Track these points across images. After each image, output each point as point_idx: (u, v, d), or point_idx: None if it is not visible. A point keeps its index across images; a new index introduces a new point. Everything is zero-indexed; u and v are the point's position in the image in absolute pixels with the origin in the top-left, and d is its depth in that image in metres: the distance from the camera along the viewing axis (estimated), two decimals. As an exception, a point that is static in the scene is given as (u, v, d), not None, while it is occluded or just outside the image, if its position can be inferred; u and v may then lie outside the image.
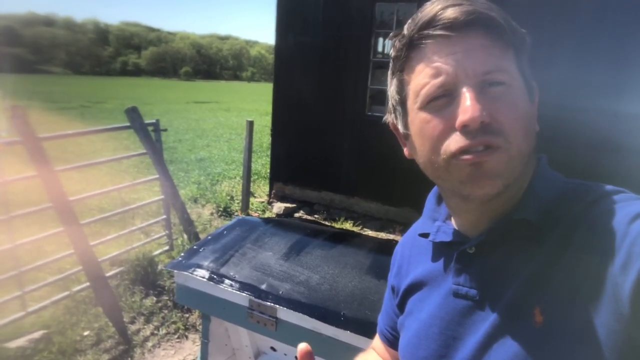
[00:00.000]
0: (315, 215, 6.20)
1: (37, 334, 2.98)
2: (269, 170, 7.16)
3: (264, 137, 11.66)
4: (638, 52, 4.35)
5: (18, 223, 3.03)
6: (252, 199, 6.57)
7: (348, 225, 5.72)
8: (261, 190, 7.30)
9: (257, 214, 6.13)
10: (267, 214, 6.28)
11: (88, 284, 3.30)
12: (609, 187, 0.65)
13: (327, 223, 5.69)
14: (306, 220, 5.84)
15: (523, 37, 0.66)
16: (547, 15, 4.72)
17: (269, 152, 7.23)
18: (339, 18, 5.87)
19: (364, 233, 5.31)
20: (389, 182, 5.62)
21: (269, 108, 6.80)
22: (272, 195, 6.86)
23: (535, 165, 0.71)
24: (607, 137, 4.32)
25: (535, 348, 0.59)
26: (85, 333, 3.17)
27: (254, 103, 27.97)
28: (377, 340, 1.02)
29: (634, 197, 0.62)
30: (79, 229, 3.10)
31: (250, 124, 5.62)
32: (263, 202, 6.71)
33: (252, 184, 6.97)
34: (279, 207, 6.34)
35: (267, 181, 7.13)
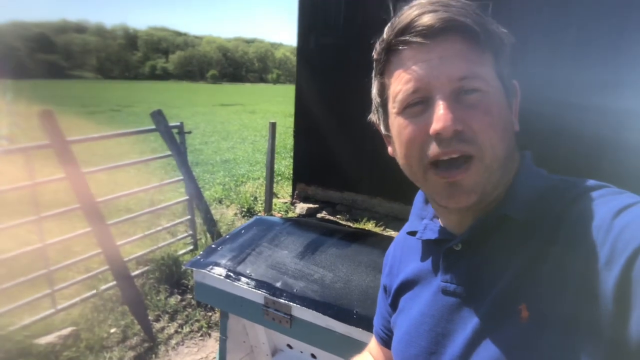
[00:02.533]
0: (338, 216, 6.21)
1: (66, 331, 3.09)
2: (292, 171, 7.21)
3: (288, 138, 11.73)
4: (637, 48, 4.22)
5: (48, 224, 3.14)
6: (275, 200, 6.63)
7: (370, 226, 5.72)
8: (284, 191, 7.36)
9: (280, 215, 6.18)
10: (290, 215, 6.32)
11: (115, 282, 3.39)
12: (592, 182, 0.66)
13: (348, 224, 5.70)
14: (326, 220, 5.86)
15: (501, 40, 0.67)
16: (545, 12, 4.63)
17: (292, 154, 7.28)
18: (360, 19, 5.87)
19: (385, 234, 5.29)
20: (411, 182, 5.56)
21: (293, 110, 6.85)
22: (295, 196, 6.90)
23: (519, 162, 0.72)
24: (606, 133, 4.22)
25: (521, 344, 0.59)
26: (112, 330, 3.26)
27: (278, 105, 28.17)
28: (372, 342, 1.04)
29: (618, 191, 0.63)
30: (105, 229, 3.19)
31: (273, 126, 5.67)
32: (286, 202, 6.76)
33: (275, 185, 7.03)
34: (301, 207, 6.38)
35: (291, 182, 7.18)
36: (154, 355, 3.10)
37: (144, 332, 3.24)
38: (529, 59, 4.59)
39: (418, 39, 0.64)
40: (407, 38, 0.65)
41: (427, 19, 0.63)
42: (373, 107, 0.78)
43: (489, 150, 0.63)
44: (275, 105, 28.54)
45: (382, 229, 5.65)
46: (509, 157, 0.67)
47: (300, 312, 1.46)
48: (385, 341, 0.95)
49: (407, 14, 0.65)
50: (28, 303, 3.08)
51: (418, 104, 0.65)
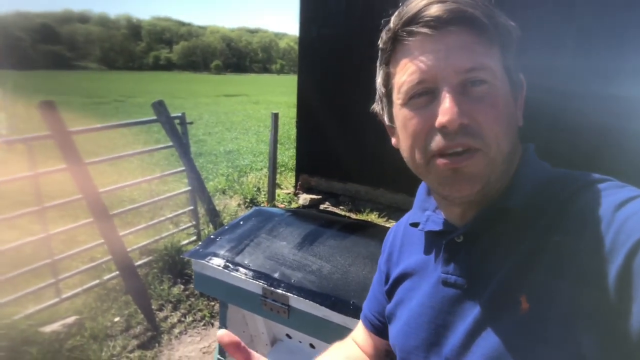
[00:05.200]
0: (341, 207, 6.22)
1: (70, 319, 3.12)
2: (295, 162, 7.21)
3: (291, 129, 11.70)
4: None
5: (51, 214, 3.17)
6: (278, 191, 6.63)
7: (373, 217, 5.72)
8: (287, 181, 7.36)
9: (282, 205, 6.19)
10: (294, 205, 6.33)
11: (118, 272, 3.42)
12: (595, 175, 0.66)
13: (351, 215, 5.71)
14: (327, 211, 5.87)
15: (509, 32, 0.66)
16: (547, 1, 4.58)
17: (295, 144, 7.28)
18: (361, 9, 5.83)
19: (388, 225, 5.30)
20: (414, 173, 5.55)
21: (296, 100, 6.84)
22: (298, 187, 6.91)
23: (522, 155, 0.72)
24: (609, 123, 4.19)
25: (521, 335, 0.60)
26: (116, 319, 3.29)
27: (282, 95, 28.07)
28: (358, 330, 1.03)
29: (620, 184, 0.63)
30: (108, 220, 3.21)
31: (275, 116, 5.67)
32: (289, 193, 6.77)
33: (279, 176, 7.03)
34: (304, 198, 6.39)
35: (294, 173, 7.18)
36: (157, 344, 3.13)
37: (147, 321, 3.27)
38: (530, 49, 4.55)
39: (425, 30, 0.63)
40: (414, 28, 0.64)
41: (434, 10, 0.62)
42: (377, 97, 0.78)
43: (494, 144, 0.63)
44: (279, 95, 28.44)
45: (385, 220, 5.66)
46: (513, 151, 0.67)
47: (298, 302, 1.47)
48: (376, 327, 0.95)
49: (415, 3, 0.65)
50: (32, 292, 3.11)
51: (423, 95, 0.64)
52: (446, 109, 0.61)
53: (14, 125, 10.31)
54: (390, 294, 0.87)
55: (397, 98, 0.69)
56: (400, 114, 0.69)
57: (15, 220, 2.97)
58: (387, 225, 4.81)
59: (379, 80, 0.75)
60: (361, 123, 6.07)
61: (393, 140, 0.78)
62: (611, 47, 4.28)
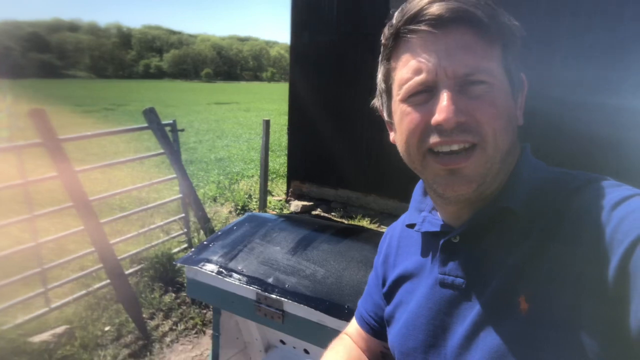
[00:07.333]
0: (333, 213, 6.22)
1: (60, 329, 3.08)
2: (286, 169, 7.21)
3: (282, 136, 11.70)
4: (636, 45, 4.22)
5: (41, 222, 3.13)
6: (270, 198, 6.62)
7: (365, 223, 5.72)
8: (279, 188, 7.35)
9: (274, 212, 6.18)
10: (285, 212, 6.32)
11: (108, 281, 3.38)
12: (591, 174, 0.66)
13: (343, 220, 5.70)
14: (320, 217, 5.86)
15: (512, 32, 0.67)
16: (544, 7, 4.64)
17: (287, 151, 7.28)
18: (354, 16, 5.87)
19: (380, 230, 5.30)
20: (405, 179, 5.53)
21: (287, 108, 6.85)
22: (290, 194, 6.90)
23: (519, 154, 0.72)
24: (606, 131, 4.23)
25: (520, 335, 0.60)
26: (106, 328, 3.25)
27: (273, 103, 28.09)
28: (352, 326, 1.01)
29: (616, 184, 0.63)
30: (99, 228, 3.18)
31: (267, 123, 5.66)
32: (281, 200, 6.76)
33: (270, 183, 7.02)
34: (296, 205, 6.38)
35: (285, 180, 7.18)
36: (148, 353, 3.09)
37: (139, 329, 3.23)
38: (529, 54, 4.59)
39: (426, 28, 0.64)
40: (416, 27, 0.64)
41: (436, 8, 0.63)
42: (377, 93, 0.78)
43: (492, 141, 0.63)
44: (270, 103, 28.46)
45: (376, 225, 5.66)
46: (511, 150, 0.68)
47: (292, 307, 1.46)
48: (371, 326, 0.94)
49: (417, 1, 0.65)
50: (21, 302, 3.07)
51: (422, 93, 0.65)
52: (443, 108, 0.61)
53: (9, 133, 10.20)
54: (388, 296, 0.87)
55: (397, 94, 0.69)
56: (399, 109, 0.69)
57: (5, 228, 2.93)
58: (379, 230, 4.81)
59: (379, 75, 0.75)
60: (353, 129, 6.09)
61: (391, 136, 0.78)
62: (608, 56, 4.34)
